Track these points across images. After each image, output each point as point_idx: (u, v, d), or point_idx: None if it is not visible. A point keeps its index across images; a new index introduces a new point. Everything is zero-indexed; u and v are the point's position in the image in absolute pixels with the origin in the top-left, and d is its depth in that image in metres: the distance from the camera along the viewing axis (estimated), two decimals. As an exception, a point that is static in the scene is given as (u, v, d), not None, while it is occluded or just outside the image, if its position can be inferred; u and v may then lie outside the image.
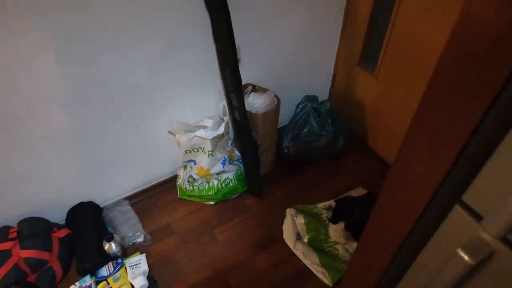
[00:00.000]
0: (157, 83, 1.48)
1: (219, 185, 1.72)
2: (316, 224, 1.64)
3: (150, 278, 1.46)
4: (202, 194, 1.74)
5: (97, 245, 1.49)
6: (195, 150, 1.64)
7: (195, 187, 1.74)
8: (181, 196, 1.81)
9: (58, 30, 1.15)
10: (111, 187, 1.73)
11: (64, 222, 1.62)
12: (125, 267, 1.48)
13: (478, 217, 0.57)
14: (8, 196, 1.44)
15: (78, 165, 1.53)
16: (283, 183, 1.90)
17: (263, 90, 1.69)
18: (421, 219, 0.70)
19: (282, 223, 1.69)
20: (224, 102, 1.61)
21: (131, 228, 1.61)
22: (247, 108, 1.58)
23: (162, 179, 1.88)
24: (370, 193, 1.71)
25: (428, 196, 0.64)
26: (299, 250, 1.57)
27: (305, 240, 1.60)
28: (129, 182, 1.78)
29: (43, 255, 1.37)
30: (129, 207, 1.73)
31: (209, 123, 1.58)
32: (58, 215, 1.60)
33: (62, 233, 1.52)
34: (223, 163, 1.71)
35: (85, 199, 1.65)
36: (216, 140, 1.61)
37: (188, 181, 1.74)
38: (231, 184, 1.75)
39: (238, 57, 1.43)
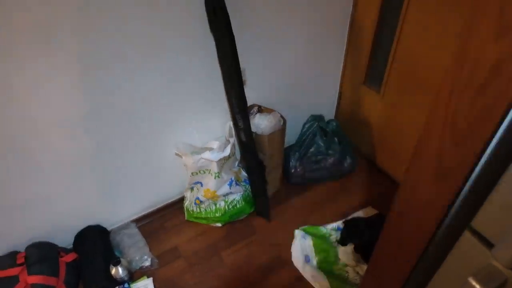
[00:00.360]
0: (164, 107, 1.50)
1: (226, 207, 1.71)
2: (325, 246, 1.62)
3: (157, 303, 1.44)
4: (209, 216, 1.73)
5: (104, 269, 1.48)
6: (202, 172, 1.64)
7: (202, 209, 1.73)
8: (188, 218, 1.81)
9: (70, 58, 1.18)
10: (119, 210, 1.73)
11: (72, 246, 1.62)
12: (132, 292, 1.46)
13: (489, 244, 0.56)
14: (17, 221, 1.45)
15: (86, 189, 1.54)
16: (291, 203, 1.89)
17: (269, 111, 1.70)
18: (431, 244, 0.68)
19: (290, 244, 1.66)
20: (230, 124, 1.62)
21: (138, 251, 1.60)
22: (253, 129, 1.58)
23: (170, 201, 1.87)
24: (380, 214, 1.68)
25: (436, 221, 0.63)
26: (308, 273, 1.54)
27: (314, 263, 1.57)
28: (136, 205, 1.78)
29: (50, 280, 1.37)
30: (136, 230, 1.72)
31: (215, 145, 1.58)
32: (66, 239, 1.60)
33: (70, 257, 1.51)
34: (230, 185, 1.71)
35: (92, 222, 1.65)
36: (223, 161, 1.61)
37: (195, 203, 1.74)
38: (238, 206, 1.73)
39: (243, 79, 1.45)
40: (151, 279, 1.52)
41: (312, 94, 2.00)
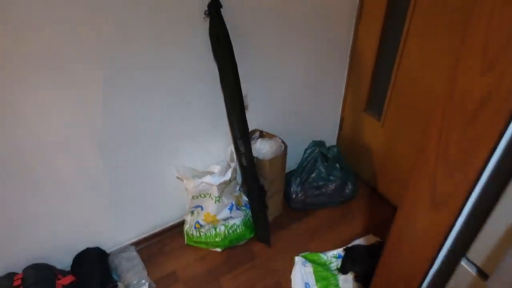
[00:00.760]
0: (166, 131, 1.52)
1: (226, 232, 1.70)
2: (326, 273, 1.59)
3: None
4: (209, 240, 1.72)
5: (100, 294, 1.46)
6: (202, 195, 1.64)
7: (202, 233, 1.72)
8: (188, 242, 1.79)
9: (77, 83, 1.22)
10: (119, 232, 1.72)
11: (70, 268, 1.61)
12: (128, 318, 1.43)
13: (484, 276, 0.56)
14: (16, 241, 1.45)
15: (86, 211, 1.55)
16: (291, 229, 1.87)
17: (270, 136, 1.71)
18: (428, 274, 0.68)
19: (290, 271, 1.64)
20: (231, 148, 1.64)
21: (136, 275, 1.58)
22: (254, 154, 1.59)
23: (170, 224, 1.87)
24: (381, 242, 1.66)
25: (432, 251, 0.63)
26: (307, 301, 1.51)
27: (314, 291, 1.54)
28: (136, 228, 1.77)
29: (45, 303, 1.35)
30: (135, 253, 1.71)
31: (216, 169, 1.59)
32: (64, 260, 1.59)
33: (67, 280, 1.49)
34: (230, 209, 1.70)
35: (92, 244, 1.65)
36: (223, 186, 1.61)
37: (195, 227, 1.73)
38: (238, 231, 1.72)
39: (245, 104, 1.47)
40: (148, 304, 1.49)
41: (313, 120, 2.02)
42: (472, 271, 0.57)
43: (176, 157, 1.63)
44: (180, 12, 1.28)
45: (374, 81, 1.81)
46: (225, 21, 1.29)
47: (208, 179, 1.54)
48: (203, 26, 1.34)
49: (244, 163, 1.53)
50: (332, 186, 1.88)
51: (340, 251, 1.68)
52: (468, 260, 0.58)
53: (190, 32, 1.34)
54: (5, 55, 1.07)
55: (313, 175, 1.87)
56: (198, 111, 1.56)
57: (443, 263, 0.64)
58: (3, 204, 1.33)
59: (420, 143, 0.58)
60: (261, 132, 1.74)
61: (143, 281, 1.58)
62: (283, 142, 1.69)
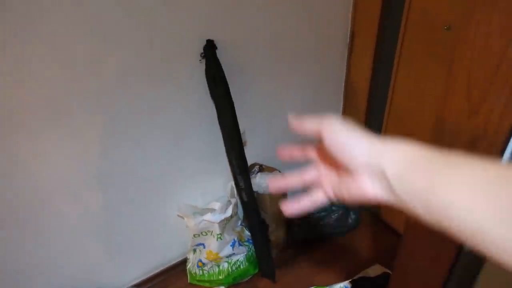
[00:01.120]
0: (166, 170, 1.53)
1: (230, 268, 1.67)
2: (333, 308, 1.55)
3: None
4: (212, 278, 1.69)
5: None
6: (204, 233, 1.63)
7: (205, 272, 1.69)
8: (191, 281, 1.76)
9: (76, 130, 1.24)
10: (121, 274, 1.69)
11: (71, 314, 1.57)
12: None
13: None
14: (16, 287, 1.43)
15: (87, 253, 1.53)
16: (296, 263, 1.84)
17: (270, 169, 1.72)
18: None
19: (297, 308, 1.60)
20: (232, 184, 1.64)
21: (139, 319, 1.55)
22: (255, 188, 1.60)
23: (172, 263, 1.84)
24: (387, 273, 1.63)
25: (439, 282, 0.62)
26: None
27: (322, 328, 1.50)
28: (138, 268, 1.74)
29: None
30: (138, 295, 1.68)
31: (216, 206, 1.59)
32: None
33: (68, 327, 1.46)
34: (233, 246, 1.68)
35: (94, 287, 1.61)
36: (225, 222, 1.60)
37: (198, 266, 1.70)
38: (242, 267, 1.70)
39: (243, 140, 1.49)
40: None
41: (312, 151, 2.03)
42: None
43: (176, 195, 1.63)
44: (176, 55, 1.32)
45: (369, 111, 1.84)
46: (220, 62, 1.34)
47: (209, 217, 1.53)
48: (199, 67, 1.38)
49: (245, 198, 1.53)
50: (334, 217, 1.87)
51: (346, 283, 1.65)
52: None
53: (187, 74, 1.38)
54: (5, 104, 1.10)
55: (315, 206, 1.86)
56: (197, 150, 1.57)
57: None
58: (3, 250, 1.32)
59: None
60: (260, 166, 1.75)
61: (147, 325, 1.54)
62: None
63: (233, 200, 1.61)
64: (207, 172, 1.67)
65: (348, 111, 1.96)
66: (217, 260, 1.68)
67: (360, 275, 1.69)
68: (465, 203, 0.30)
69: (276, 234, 1.79)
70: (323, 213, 1.87)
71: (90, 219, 1.45)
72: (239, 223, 1.81)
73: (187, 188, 1.65)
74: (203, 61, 1.36)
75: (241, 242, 1.73)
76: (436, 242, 0.62)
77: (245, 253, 1.72)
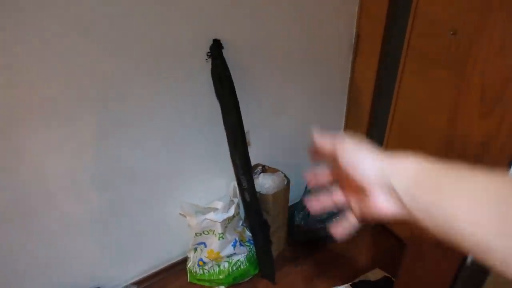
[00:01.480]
0: (169, 169, 1.54)
1: (230, 268, 1.67)
2: (333, 310, 1.55)
3: None
4: (212, 278, 1.69)
5: (102, 338, 1.42)
6: (206, 232, 1.63)
7: (205, 271, 1.69)
8: (191, 280, 1.76)
9: (81, 128, 1.25)
10: (121, 272, 1.69)
11: (70, 310, 1.57)
12: None
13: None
14: (15, 285, 1.42)
15: (88, 252, 1.53)
16: (296, 264, 1.84)
17: (273, 170, 1.72)
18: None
19: (297, 309, 1.60)
20: (234, 183, 1.64)
21: (138, 317, 1.55)
22: (257, 188, 1.60)
23: (172, 261, 1.84)
24: (387, 277, 1.63)
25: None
26: None
27: (322, 330, 1.50)
28: (138, 266, 1.74)
29: None
30: (138, 293, 1.68)
31: (219, 205, 1.59)
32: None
33: (67, 324, 1.46)
34: (234, 245, 1.68)
35: (94, 285, 1.61)
36: (227, 222, 1.60)
37: (198, 265, 1.70)
38: (242, 267, 1.70)
39: (247, 140, 1.50)
40: None
41: (315, 153, 2.03)
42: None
43: (178, 194, 1.63)
44: (182, 54, 1.32)
45: (373, 114, 1.85)
46: (226, 61, 1.34)
47: (211, 215, 1.53)
48: (205, 66, 1.38)
49: (247, 199, 1.53)
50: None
51: (347, 286, 1.65)
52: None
53: (193, 74, 1.38)
54: (10, 102, 1.10)
55: (316, 208, 1.86)
56: (200, 149, 1.58)
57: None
58: (8, 249, 1.32)
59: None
60: (263, 166, 1.76)
61: (146, 323, 1.53)
62: (285, 176, 1.70)
63: (236, 200, 1.61)
64: (210, 172, 1.67)
65: (352, 114, 1.96)
66: (218, 260, 1.67)
67: (360, 278, 1.69)
68: (469, 216, 0.31)
69: (278, 235, 1.80)
70: (324, 216, 1.87)
71: (91, 217, 1.45)
72: (241, 223, 1.81)
73: (189, 187, 1.65)
74: (209, 60, 1.36)
75: (242, 242, 1.73)
76: (441, 248, 0.62)
77: (246, 254, 1.72)
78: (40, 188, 1.27)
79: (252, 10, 1.41)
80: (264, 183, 1.64)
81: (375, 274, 1.70)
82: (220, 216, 1.54)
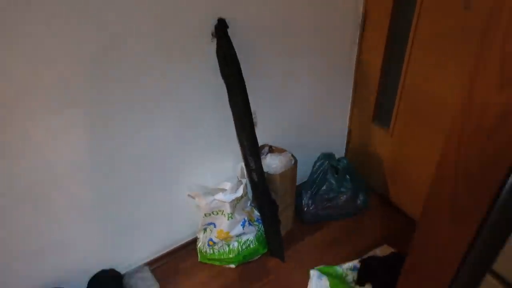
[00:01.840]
0: (177, 150, 1.54)
1: (239, 248, 1.70)
2: (343, 286, 1.58)
3: None
4: (222, 257, 1.71)
5: (117, 316, 1.46)
6: (215, 213, 1.64)
7: (215, 250, 1.72)
8: (201, 259, 1.79)
9: (86, 110, 1.24)
10: (132, 253, 1.72)
11: (85, 291, 1.61)
12: None
13: (511, 288, 0.55)
14: (31, 267, 1.45)
15: (99, 233, 1.55)
16: (305, 242, 1.86)
17: (280, 151, 1.72)
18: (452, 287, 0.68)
19: (306, 285, 1.63)
20: (242, 164, 1.65)
21: (151, 296, 1.58)
22: (265, 169, 1.60)
23: (183, 242, 1.87)
24: (396, 253, 1.65)
25: (455, 265, 0.63)
26: (325, 316, 1.49)
27: (332, 305, 1.53)
28: (150, 247, 1.77)
29: (63, 328, 1.35)
30: (150, 273, 1.71)
31: (227, 186, 1.60)
32: (79, 284, 1.59)
33: (83, 303, 1.50)
34: (243, 225, 1.70)
35: (106, 266, 1.65)
36: (235, 202, 1.62)
37: (208, 244, 1.73)
38: (251, 246, 1.72)
39: (254, 121, 1.49)
40: (164, 325, 1.48)
41: (321, 133, 2.03)
42: (498, 283, 0.57)
43: (186, 176, 1.64)
44: (188, 35, 1.31)
45: (381, 91, 1.83)
46: (232, 41, 1.32)
47: (220, 196, 1.55)
48: (210, 46, 1.36)
49: (255, 179, 1.53)
50: (343, 198, 1.87)
51: (355, 263, 1.67)
52: (494, 272, 0.58)
53: (198, 54, 1.37)
54: (17, 89, 1.10)
55: (324, 187, 1.87)
56: (207, 130, 1.57)
57: (468, 276, 0.63)
58: (18, 231, 1.34)
59: (432, 149, 0.59)
60: (270, 147, 1.75)
61: (159, 301, 1.57)
62: (292, 156, 1.70)
63: (244, 180, 1.62)
64: (217, 153, 1.68)
65: (359, 92, 1.94)
66: (227, 239, 1.70)
67: (369, 254, 1.71)
68: None
69: (286, 215, 1.81)
70: (332, 195, 1.88)
71: (100, 199, 1.46)
72: (249, 204, 1.82)
73: (197, 169, 1.66)
74: (214, 40, 1.34)
75: (251, 222, 1.75)
76: (452, 226, 0.62)
77: (255, 233, 1.74)
78: (49, 169, 1.28)
79: (256, -13, 1.37)
80: (271, 163, 1.64)
81: (383, 250, 1.72)
82: (228, 197, 1.55)
